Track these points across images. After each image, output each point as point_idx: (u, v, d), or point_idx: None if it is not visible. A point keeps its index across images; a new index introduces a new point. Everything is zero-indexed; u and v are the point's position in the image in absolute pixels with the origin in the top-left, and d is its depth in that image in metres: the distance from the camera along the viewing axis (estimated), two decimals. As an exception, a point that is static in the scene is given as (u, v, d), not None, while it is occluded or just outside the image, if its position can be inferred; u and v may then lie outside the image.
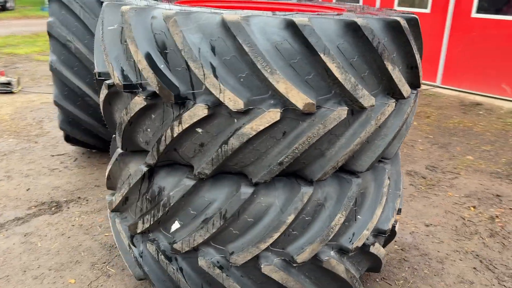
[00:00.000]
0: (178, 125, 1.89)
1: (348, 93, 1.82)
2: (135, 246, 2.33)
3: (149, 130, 2.04)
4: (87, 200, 3.61)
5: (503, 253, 3.24)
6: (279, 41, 1.77)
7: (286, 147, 1.90)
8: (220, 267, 2.09)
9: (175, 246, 2.11)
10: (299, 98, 1.77)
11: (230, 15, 1.74)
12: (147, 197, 2.20)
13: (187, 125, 1.87)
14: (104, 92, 2.20)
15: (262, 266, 2.07)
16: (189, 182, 2.03)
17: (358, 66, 1.86)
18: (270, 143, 1.90)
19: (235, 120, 1.85)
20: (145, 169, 2.14)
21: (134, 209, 2.31)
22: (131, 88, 1.98)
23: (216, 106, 1.84)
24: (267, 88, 1.80)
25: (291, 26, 1.74)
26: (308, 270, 2.20)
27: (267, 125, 1.82)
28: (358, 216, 2.22)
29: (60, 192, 3.72)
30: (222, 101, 1.78)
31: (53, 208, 3.46)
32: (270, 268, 2.07)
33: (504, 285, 2.86)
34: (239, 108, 1.79)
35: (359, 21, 1.77)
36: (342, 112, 1.87)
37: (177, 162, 2.14)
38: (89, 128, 3.90)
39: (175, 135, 1.92)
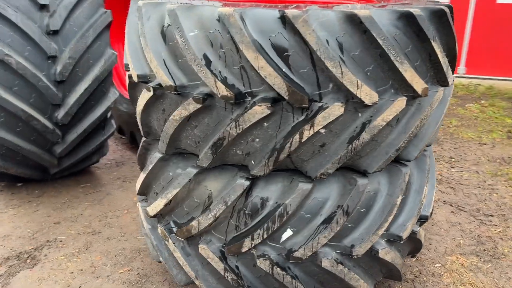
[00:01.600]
0: (310, 128, 1.84)
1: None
2: (231, 268, 2.17)
3: (257, 140, 1.92)
4: (60, 241, 3.07)
5: (457, 195, 3.91)
6: (396, 33, 1.87)
7: (401, 132, 2.02)
8: (341, 263, 2.12)
9: (296, 254, 2.06)
10: (420, 85, 1.91)
11: (361, 11, 1.77)
12: (246, 211, 2.07)
13: (320, 127, 1.85)
14: (146, 96, 2.09)
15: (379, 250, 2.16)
16: (306, 186, 2.00)
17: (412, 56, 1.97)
18: (387, 131, 1.99)
19: (360, 114, 1.89)
20: (246, 183, 2.01)
21: (224, 229, 2.14)
22: (241, 98, 1.84)
23: (347, 103, 1.86)
24: (388, 79, 1.89)
25: (406, 17, 1.84)
26: (363, 261, 2.26)
27: (395, 114, 1.91)
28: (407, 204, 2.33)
29: (18, 241, 3.08)
30: (359, 97, 1.81)
31: (27, 261, 2.86)
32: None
33: (479, 219, 3.50)
34: (374, 101, 1.84)
35: (414, 11, 1.92)
36: (441, 93, 2.07)
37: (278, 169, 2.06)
38: (30, 157, 3.27)
39: (304, 139, 1.87)
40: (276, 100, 1.84)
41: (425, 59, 1.99)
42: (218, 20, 1.82)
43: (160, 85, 2.04)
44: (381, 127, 1.91)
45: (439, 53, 1.99)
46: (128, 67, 2.32)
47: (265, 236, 2.05)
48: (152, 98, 2.09)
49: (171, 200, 2.22)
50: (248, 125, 1.86)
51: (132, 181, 4.04)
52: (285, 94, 1.79)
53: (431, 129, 2.28)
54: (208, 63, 1.85)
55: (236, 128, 1.89)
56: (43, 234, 3.17)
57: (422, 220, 2.51)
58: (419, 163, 2.41)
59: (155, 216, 2.39)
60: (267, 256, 2.10)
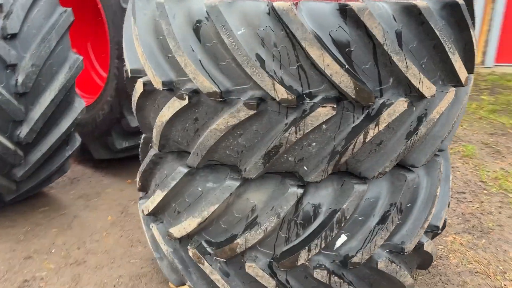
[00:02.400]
0: (375, 127, 1.76)
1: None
2: (282, 283, 2.03)
3: (313, 144, 1.80)
4: (41, 279, 2.67)
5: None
6: (442, 23, 1.86)
7: (444, 124, 2.02)
8: (393, 262, 2.08)
9: (354, 260, 1.97)
10: (464, 74, 1.92)
11: (419, 2, 1.72)
12: (298, 221, 1.94)
13: (384, 125, 1.78)
14: (177, 104, 1.89)
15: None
16: (362, 188, 1.92)
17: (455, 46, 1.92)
18: (433, 124, 1.98)
19: (414, 108, 1.86)
20: (300, 191, 1.88)
21: (272, 243, 1.99)
22: (301, 100, 1.71)
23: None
24: (437, 70, 1.87)
25: (451, 7, 1.83)
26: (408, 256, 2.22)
27: (447, 105, 1.90)
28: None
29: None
30: (420, 90, 1.77)
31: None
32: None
33: (455, 197, 3.70)
34: (433, 94, 1.81)
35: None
36: (472, 81, 2.10)
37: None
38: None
39: (368, 138, 1.78)
40: (338, 100, 1.73)
41: (462, 48, 2.00)
42: (269, 16, 1.66)
43: (195, 92, 1.82)
44: (435, 120, 1.89)
45: (474, 41, 2.01)
46: (139, 72, 2.05)
47: (323, 246, 1.94)
48: (185, 107, 1.85)
49: (206, 219, 2.00)
50: (310, 129, 1.73)
51: (97, 199, 3.65)
52: (351, 93, 1.68)
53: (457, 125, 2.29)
54: (262, 64, 1.68)
55: (296, 133, 1.74)
56: (15, 274, 2.72)
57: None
58: (445, 157, 2.32)
59: (181, 237, 2.15)
60: (323, 266, 1.99)
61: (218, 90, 1.75)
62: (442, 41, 1.77)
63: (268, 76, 1.67)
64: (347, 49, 1.68)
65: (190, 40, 1.78)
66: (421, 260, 2.36)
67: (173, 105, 1.88)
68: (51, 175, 3.24)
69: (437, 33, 1.75)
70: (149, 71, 1.93)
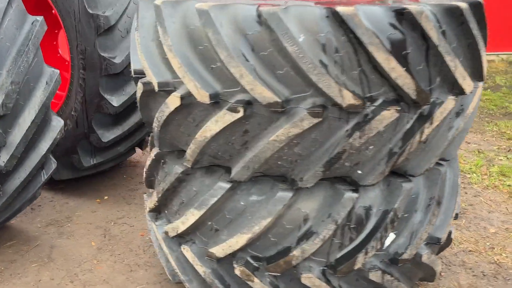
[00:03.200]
0: (429, 126, 1.83)
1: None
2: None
3: (371, 147, 1.82)
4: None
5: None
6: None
7: (466, 122, 2.12)
8: (431, 253, 2.17)
9: (404, 256, 2.03)
10: (484, 71, 2.06)
11: (461, 3, 1.81)
12: (351, 226, 1.95)
13: (437, 123, 1.86)
14: (228, 118, 1.79)
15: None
16: (410, 186, 1.99)
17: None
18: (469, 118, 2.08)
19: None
20: (355, 195, 1.89)
21: (326, 250, 1.97)
22: (363, 104, 1.72)
23: (451, 95, 1.89)
24: (468, 68, 1.99)
25: (475, 7, 1.94)
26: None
27: (478, 101, 2.03)
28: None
29: None
30: (463, 88, 1.87)
31: None
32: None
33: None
34: (471, 91, 1.92)
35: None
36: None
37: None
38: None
39: (423, 137, 1.85)
40: (396, 102, 1.75)
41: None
42: (329, 21, 1.63)
43: (248, 103, 1.74)
44: (470, 115, 1.99)
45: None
46: (167, 85, 1.91)
47: (378, 247, 1.96)
48: (237, 120, 1.76)
49: (258, 234, 1.93)
50: (374, 133, 1.74)
51: (70, 224, 3.32)
52: (413, 94, 1.72)
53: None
54: (327, 70, 1.65)
55: (360, 138, 1.74)
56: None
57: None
58: (452, 164, 2.26)
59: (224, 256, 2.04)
60: (377, 267, 2.02)
61: (279, 100, 1.68)
62: (477, 40, 1.87)
63: (334, 82, 1.64)
64: (404, 52, 1.70)
65: (243, 49, 1.69)
66: (422, 272, 2.31)
67: (223, 119, 1.77)
68: (24, 204, 2.89)
69: (475, 33, 1.85)
70: (190, 84, 1.80)
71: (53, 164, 2.90)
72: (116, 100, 3.22)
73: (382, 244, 1.97)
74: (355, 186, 1.92)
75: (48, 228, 3.28)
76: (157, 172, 2.39)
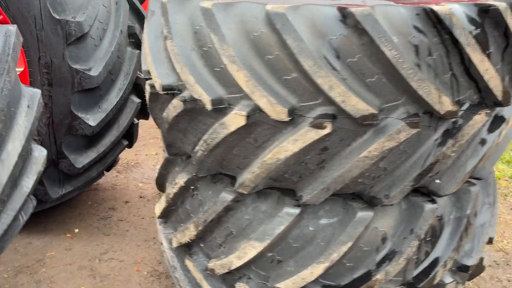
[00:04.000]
0: (505, 127, 1.77)
1: None
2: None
3: (452, 155, 1.71)
4: None
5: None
6: None
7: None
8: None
9: (472, 262, 1.96)
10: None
11: (502, 6, 1.76)
12: (426, 239, 1.84)
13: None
14: (312, 136, 1.60)
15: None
16: (477, 189, 1.92)
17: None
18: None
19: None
20: (435, 207, 1.78)
21: (404, 268, 1.84)
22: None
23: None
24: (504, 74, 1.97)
25: None
26: None
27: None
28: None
29: None
30: (499, 99, 1.80)
31: None
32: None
33: None
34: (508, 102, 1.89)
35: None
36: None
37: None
38: None
39: (500, 140, 1.78)
40: (481, 105, 1.66)
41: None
42: (421, 21, 1.49)
43: (333, 117, 1.53)
44: (505, 127, 1.96)
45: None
46: (221, 102, 1.64)
47: (456, 257, 1.86)
48: (320, 138, 1.54)
49: (336, 261, 1.73)
50: (465, 140, 1.63)
51: (45, 269, 2.80)
52: (500, 96, 1.64)
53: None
54: (426, 75, 1.50)
55: (452, 146, 1.62)
56: None
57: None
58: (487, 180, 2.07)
59: (292, 290, 1.81)
60: (451, 278, 1.92)
61: (375, 112, 1.50)
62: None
63: (434, 88, 1.50)
64: (487, 51, 1.61)
65: (328, 56, 1.48)
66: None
67: (305, 137, 1.54)
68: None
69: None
70: (261, 100, 1.54)
71: (32, 202, 2.41)
72: (92, 119, 2.78)
73: (459, 254, 1.88)
74: (430, 197, 1.80)
75: (19, 277, 2.75)
76: (183, 201, 2.08)
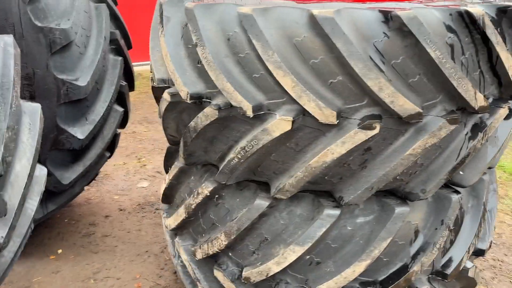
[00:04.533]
0: (516, 121, 1.91)
1: None
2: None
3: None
4: None
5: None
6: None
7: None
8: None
9: (486, 246, 2.09)
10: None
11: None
12: (451, 227, 1.95)
13: None
14: (360, 137, 1.62)
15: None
16: (489, 177, 2.05)
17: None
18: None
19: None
20: (460, 197, 1.88)
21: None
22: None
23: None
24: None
25: None
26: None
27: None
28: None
29: None
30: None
31: None
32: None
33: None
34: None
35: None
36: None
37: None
38: None
39: (514, 131, 1.92)
40: (501, 99, 1.78)
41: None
42: (453, 21, 1.57)
43: (379, 117, 1.57)
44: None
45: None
46: (260, 108, 1.63)
47: (477, 243, 1.98)
48: (371, 137, 1.58)
49: (377, 257, 1.78)
50: (491, 132, 1.74)
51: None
52: (522, 91, 1.76)
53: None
54: (464, 74, 1.59)
55: (482, 139, 1.72)
56: None
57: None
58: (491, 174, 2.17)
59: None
60: (473, 264, 2.04)
61: (421, 110, 1.56)
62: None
63: (471, 85, 1.58)
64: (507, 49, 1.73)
65: (374, 58, 1.51)
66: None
67: (353, 139, 1.57)
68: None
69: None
70: (310, 104, 1.54)
71: (31, 226, 2.23)
72: (80, 132, 2.62)
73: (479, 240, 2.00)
74: (453, 188, 1.90)
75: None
76: (205, 211, 2.03)
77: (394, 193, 1.83)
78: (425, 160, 1.71)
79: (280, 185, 1.75)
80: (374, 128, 1.55)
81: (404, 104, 1.53)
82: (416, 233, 1.85)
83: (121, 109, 2.97)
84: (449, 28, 1.56)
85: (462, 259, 1.94)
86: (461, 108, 1.66)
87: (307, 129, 1.63)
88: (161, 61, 2.01)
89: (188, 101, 1.76)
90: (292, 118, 1.57)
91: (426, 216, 1.87)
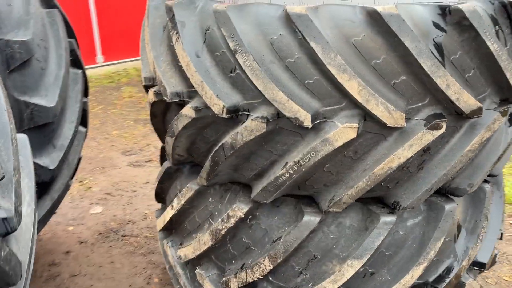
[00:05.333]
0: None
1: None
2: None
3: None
4: None
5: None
6: None
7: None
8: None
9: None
10: None
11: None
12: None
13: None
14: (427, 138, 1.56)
15: None
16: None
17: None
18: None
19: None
20: (490, 186, 1.92)
21: (471, 250, 1.94)
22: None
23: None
24: None
25: None
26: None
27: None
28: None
29: None
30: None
31: None
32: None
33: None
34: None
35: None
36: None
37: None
38: None
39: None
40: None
41: None
42: (497, 15, 1.58)
43: (441, 116, 1.52)
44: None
45: None
46: (317, 117, 1.49)
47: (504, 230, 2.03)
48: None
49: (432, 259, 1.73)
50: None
51: None
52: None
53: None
54: (512, 66, 1.59)
55: (514, 130, 1.75)
56: None
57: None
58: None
59: None
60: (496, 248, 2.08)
61: (481, 106, 1.52)
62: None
63: (518, 77, 1.59)
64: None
65: (436, 55, 1.45)
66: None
67: (421, 141, 1.49)
68: None
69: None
70: (378, 108, 1.43)
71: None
72: (50, 161, 2.23)
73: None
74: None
75: None
76: (234, 235, 1.83)
77: (439, 190, 1.79)
78: (475, 155, 1.70)
79: (335, 197, 1.62)
80: (441, 128, 1.49)
81: (468, 100, 1.48)
82: (459, 227, 1.84)
83: (84, 129, 2.60)
84: (495, 20, 1.55)
85: (494, 244, 1.98)
86: (503, 100, 1.66)
87: (368, 134, 1.52)
88: (171, 73, 1.76)
89: (224, 116, 1.55)
90: (357, 124, 1.45)
91: (465, 209, 1.86)
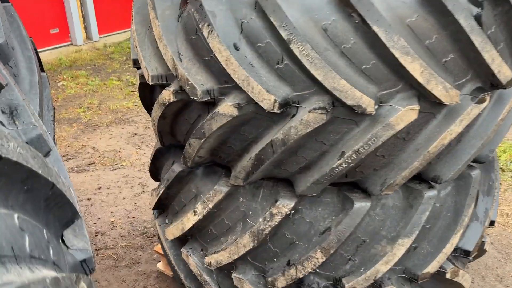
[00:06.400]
0: None
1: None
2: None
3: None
4: None
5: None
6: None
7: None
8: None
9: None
10: None
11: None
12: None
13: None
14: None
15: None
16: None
17: None
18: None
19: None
20: (496, 149, 2.06)
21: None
22: None
23: None
24: None
25: None
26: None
27: None
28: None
29: None
30: None
31: None
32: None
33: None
34: None
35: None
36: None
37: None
38: None
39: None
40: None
41: None
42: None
43: (485, 90, 1.58)
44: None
45: None
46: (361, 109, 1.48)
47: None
48: (477, 112, 1.57)
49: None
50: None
51: None
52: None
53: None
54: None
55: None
56: None
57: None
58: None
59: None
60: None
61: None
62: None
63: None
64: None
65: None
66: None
67: (470, 115, 1.53)
68: None
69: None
70: (437, 88, 1.43)
71: None
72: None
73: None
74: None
75: None
76: (275, 233, 1.75)
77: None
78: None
79: (387, 180, 1.61)
80: (485, 101, 1.54)
81: (506, 72, 1.55)
82: (477, 192, 1.95)
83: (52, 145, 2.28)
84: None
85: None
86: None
87: (420, 114, 1.52)
88: (195, 69, 1.60)
89: (276, 110, 1.45)
90: (418, 106, 1.44)
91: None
